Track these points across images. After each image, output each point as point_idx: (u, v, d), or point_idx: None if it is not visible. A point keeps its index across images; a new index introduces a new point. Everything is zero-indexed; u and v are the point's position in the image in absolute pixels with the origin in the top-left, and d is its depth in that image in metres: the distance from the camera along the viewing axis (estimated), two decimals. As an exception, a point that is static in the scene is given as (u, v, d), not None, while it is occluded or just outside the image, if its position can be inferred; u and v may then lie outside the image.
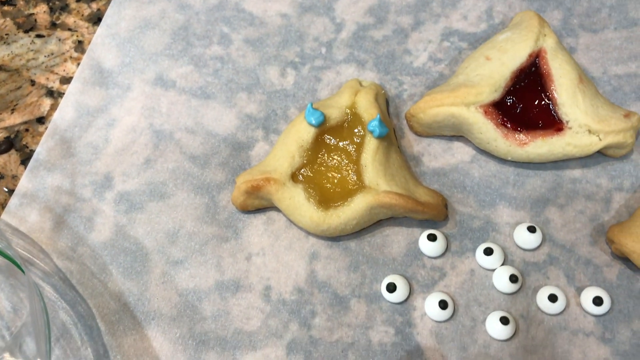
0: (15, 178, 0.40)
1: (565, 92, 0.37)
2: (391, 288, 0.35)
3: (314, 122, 0.36)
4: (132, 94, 0.42)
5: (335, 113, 0.37)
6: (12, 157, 0.41)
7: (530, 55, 0.38)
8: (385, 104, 0.40)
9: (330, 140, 0.37)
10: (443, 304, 0.34)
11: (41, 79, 0.43)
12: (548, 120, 0.37)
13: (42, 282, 0.37)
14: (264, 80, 0.42)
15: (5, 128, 0.42)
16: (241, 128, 0.41)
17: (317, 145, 0.37)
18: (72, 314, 0.36)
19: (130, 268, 0.37)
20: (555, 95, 0.37)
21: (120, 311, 0.36)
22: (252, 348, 0.35)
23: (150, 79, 0.42)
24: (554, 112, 0.37)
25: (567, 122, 0.37)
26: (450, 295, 0.35)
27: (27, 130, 0.42)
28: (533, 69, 0.38)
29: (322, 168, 0.36)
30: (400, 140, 0.40)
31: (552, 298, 0.34)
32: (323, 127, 0.37)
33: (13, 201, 0.39)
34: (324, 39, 0.43)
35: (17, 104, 0.43)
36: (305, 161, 0.36)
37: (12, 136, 0.42)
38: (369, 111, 0.37)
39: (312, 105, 0.36)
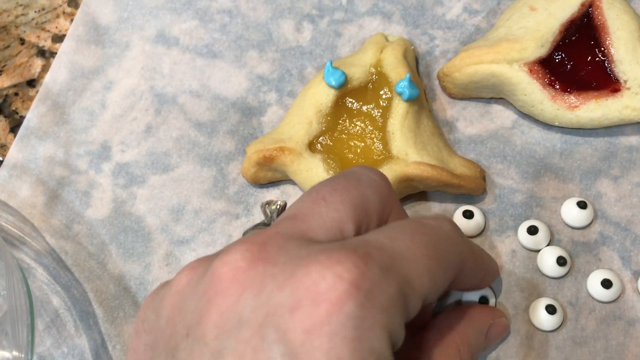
0: (4, 147, 0.38)
1: (623, 46, 0.34)
2: (422, 272, 0.33)
3: (334, 83, 0.34)
4: (130, 53, 0.40)
5: (358, 72, 0.35)
6: (1, 124, 0.39)
7: (582, 5, 0.35)
8: (415, 62, 0.38)
9: (353, 103, 0.35)
10: (480, 290, 0.33)
11: (31, 37, 0.41)
12: (602, 80, 0.35)
13: (33, 262, 0.35)
14: (277, 36, 0.40)
15: (-7, 92, 0.40)
16: (252, 91, 0.38)
17: (338, 110, 0.35)
18: (66, 298, 0.34)
19: (131, 248, 0.35)
20: (612, 50, 0.35)
21: (121, 296, 0.34)
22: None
23: (150, 36, 0.40)
24: (610, 70, 0.35)
25: (625, 81, 0.34)
26: (488, 280, 0.33)
27: (16, 94, 0.40)
28: (585, 20, 0.35)
29: (344, 136, 0.34)
30: (432, 103, 0.38)
31: (606, 283, 0.32)
32: (344, 89, 0.35)
33: (2, 173, 0.37)
34: (344, -11, 0.41)
35: (5, 65, 0.41)
36: (324, 128, 0.34)
37: (0, 101, 0.40)
38: (396, 70, 0.35)
39: (331, 63, 0.34)
